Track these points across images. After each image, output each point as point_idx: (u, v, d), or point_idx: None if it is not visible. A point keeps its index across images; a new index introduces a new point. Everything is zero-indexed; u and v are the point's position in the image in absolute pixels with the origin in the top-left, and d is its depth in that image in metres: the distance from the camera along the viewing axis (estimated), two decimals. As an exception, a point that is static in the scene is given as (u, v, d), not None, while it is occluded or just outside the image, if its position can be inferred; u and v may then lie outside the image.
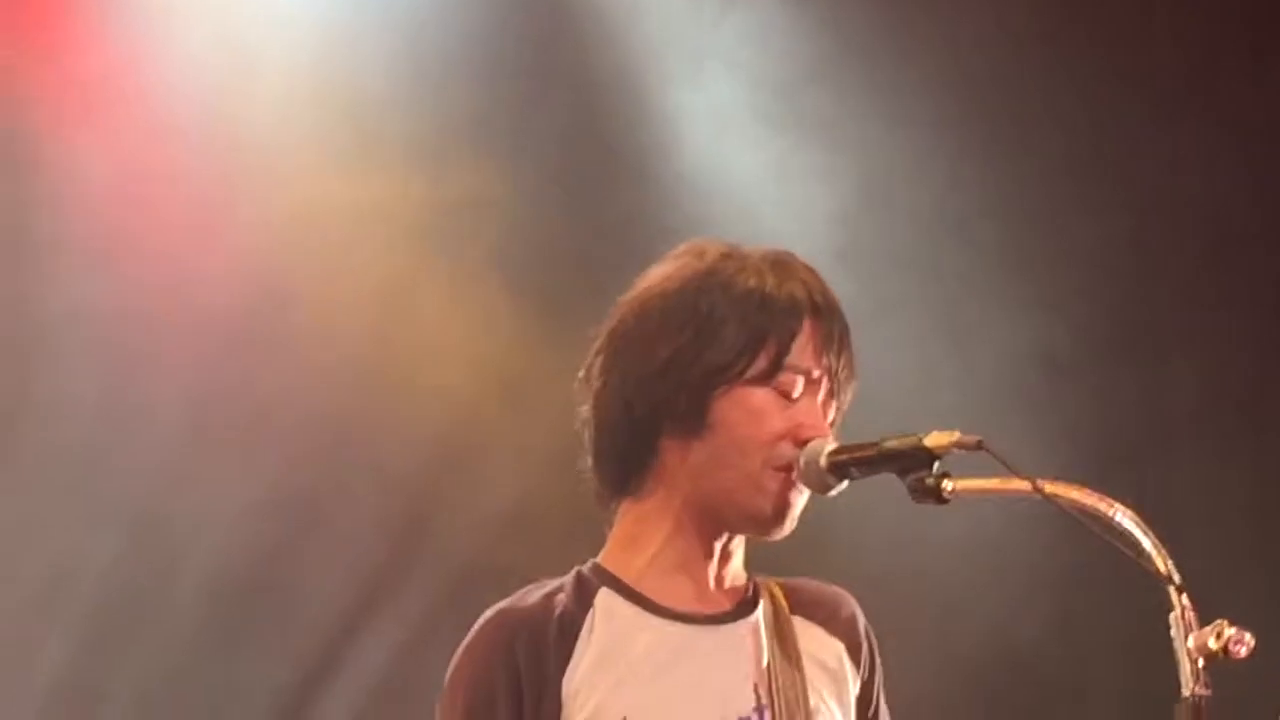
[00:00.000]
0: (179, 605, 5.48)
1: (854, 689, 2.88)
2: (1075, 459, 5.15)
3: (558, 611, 2.75)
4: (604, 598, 2.77)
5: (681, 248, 2.84)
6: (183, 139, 5.42)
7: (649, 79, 5.76)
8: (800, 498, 2.75)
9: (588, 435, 2.82)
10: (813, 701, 2.78)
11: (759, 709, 2.75)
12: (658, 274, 2.81)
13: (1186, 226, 5.87)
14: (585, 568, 2.82)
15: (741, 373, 2.73)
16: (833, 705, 2.83)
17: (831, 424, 2.79)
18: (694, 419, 2.74)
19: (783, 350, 2.73)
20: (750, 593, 2.84)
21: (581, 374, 2.83)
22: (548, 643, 2.72)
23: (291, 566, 5.55)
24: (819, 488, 2.72)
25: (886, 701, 2.94)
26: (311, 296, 5.51)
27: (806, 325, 2.75)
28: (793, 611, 2.86)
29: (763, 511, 2.74)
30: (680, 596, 2.78)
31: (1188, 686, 2.31)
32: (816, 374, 2.76)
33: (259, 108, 5.46)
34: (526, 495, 5.50)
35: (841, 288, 2.81)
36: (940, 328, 5.77)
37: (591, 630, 2.74)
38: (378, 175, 5.58)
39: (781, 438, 2.73)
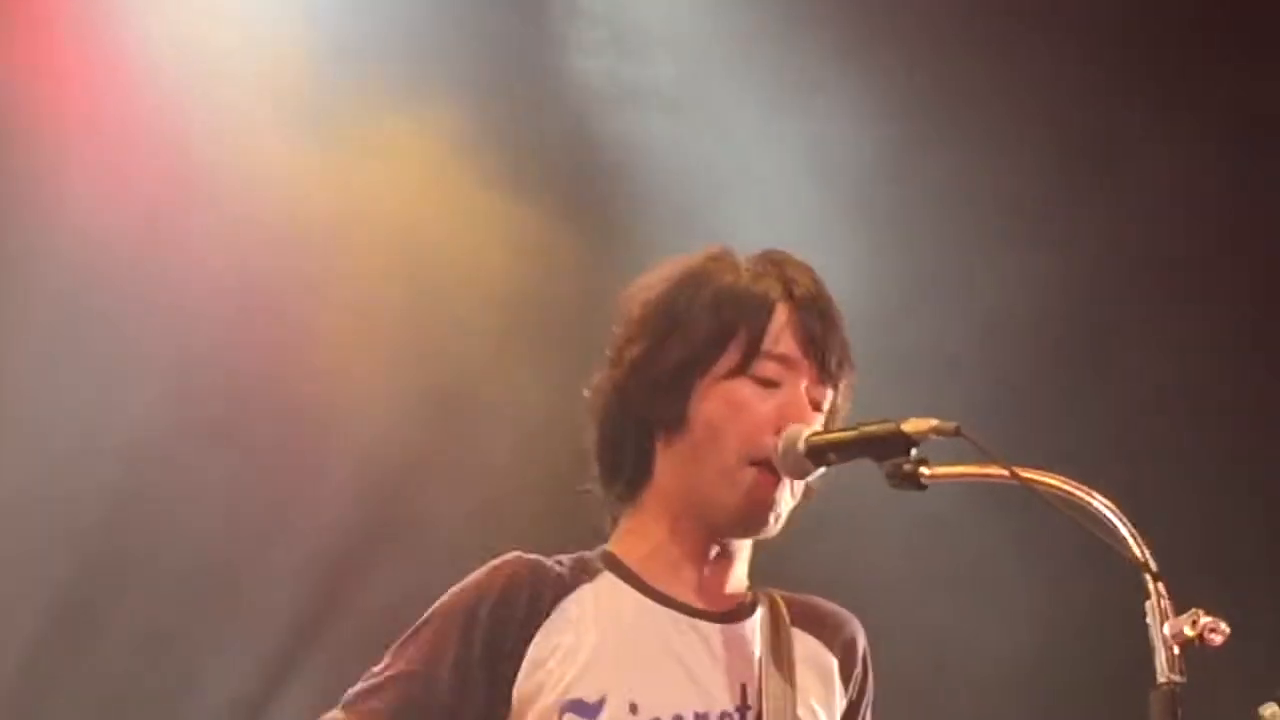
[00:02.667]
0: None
1: (840, 706, 2.88)
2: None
3: (553, 573, 2.76)
4: (605, 578, 2.78)
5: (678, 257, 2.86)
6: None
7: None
8: (783, 494, 2.73)
9: (592, 452, 2.84)
10: (801, 713, 2.78)
11: (741, 709, 2.74)
12: (645, 280, 2.84)
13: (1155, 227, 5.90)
14: (592, 552, 2.83)
15: (711, 365, 2.74)
16: (823, 717, 2.82)
17: (830, 413, 2.78)
18: (675, 417, 2.75)
19: (755, 339, 2.73)
20: (750, 599, 2.84)
21: (586, 392, 2.85)
22: (527, 596, 2.73)
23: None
24: (796, 473, 2.71)
25: None
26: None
27: (781, 313, 2.75)
28: (793, 623, 2.86)
29: (738, 507, 2.73)
30: (681, 589, 2.78)
31: (1163, 673, 2.31)
32: (795, 358, 2.75)
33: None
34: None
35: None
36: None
37: (581, 601, 2.74)
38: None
39: (762, 428, 2.72)
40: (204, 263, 5.38)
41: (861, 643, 2.92)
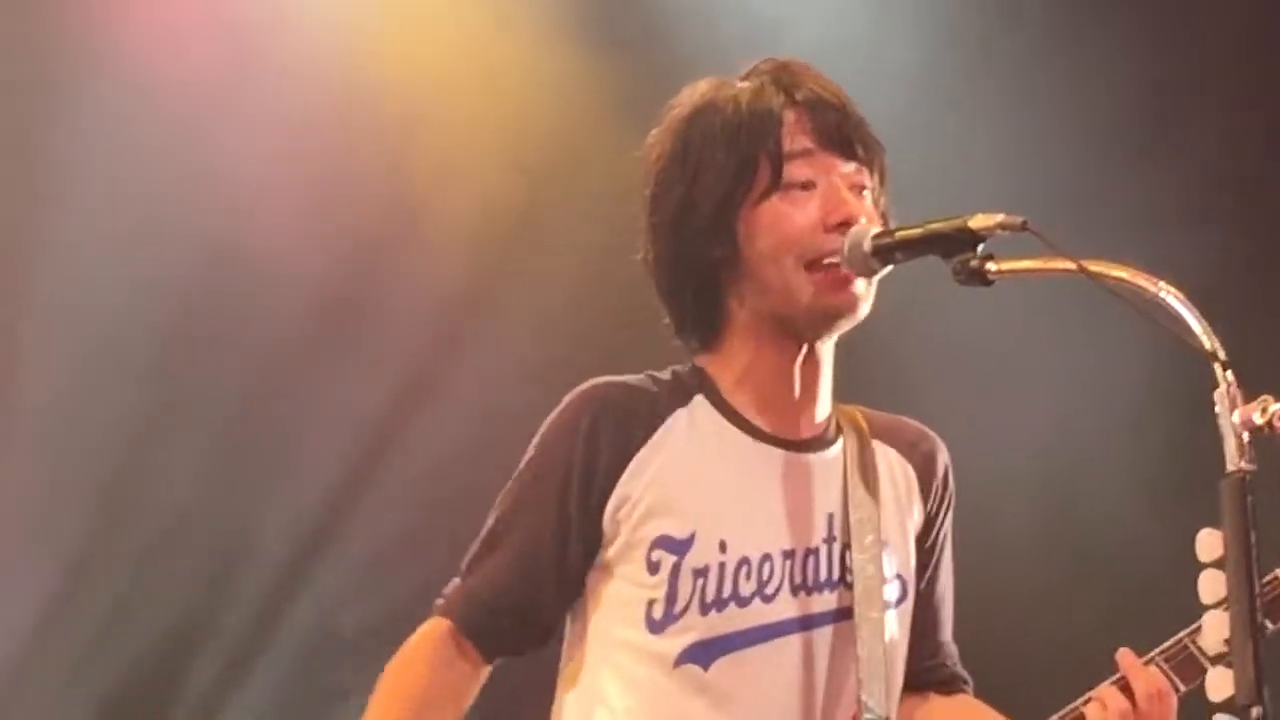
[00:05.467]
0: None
1: (917, 520, 2.91)
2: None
3: (644, 400, 2.79)
4: (698, 404, 2.81)
5: (679, 97, 2.87)
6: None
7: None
8: (856, 285, 2.76)
9: (667, 311, 2.87)
10: (885, 534, 2.83)
11: (829, 540, 2.79)
12: (657, 134, 2.86)
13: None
14: (684, 368, 2.86)
15: (746, 194, 2.76)
16: (898, 539, 2.87)
17: (875, 198, 2.80)
18: (728, 255, 2.78)
19: (775, 154, 2.76)
20: (834, 425, 2.87)
21: (640, 257, 2.88)
22: (615, 436, 2.76)
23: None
24: (864, 271, 2.74)
25: (953, 562, 2.98)
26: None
27: (790, 119, 2.77)
28: (873, 435, 2.90)
29: (813, 306, 2.75)
30: (768, 418, 2.81)
31: (1233, 461, 2.31)
32: (816, 150, 2.77)
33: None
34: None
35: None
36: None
37: (674, 429, 2.78)
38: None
39: (810, 230, 2.75)
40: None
41: (942, 460, 2.96)
